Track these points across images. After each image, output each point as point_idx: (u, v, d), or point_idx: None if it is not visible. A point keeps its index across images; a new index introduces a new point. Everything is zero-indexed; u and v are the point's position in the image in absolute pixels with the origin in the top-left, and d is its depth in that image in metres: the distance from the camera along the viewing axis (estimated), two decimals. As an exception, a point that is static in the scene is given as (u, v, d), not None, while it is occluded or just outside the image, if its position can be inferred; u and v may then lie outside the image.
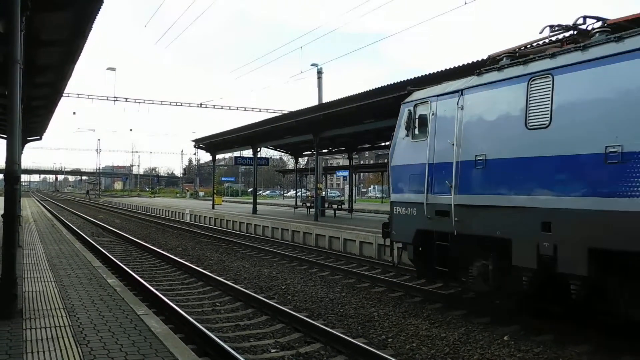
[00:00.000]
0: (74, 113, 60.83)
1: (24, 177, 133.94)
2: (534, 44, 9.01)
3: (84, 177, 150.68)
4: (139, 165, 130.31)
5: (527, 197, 7.65)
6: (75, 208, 49.90)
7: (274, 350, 7.25)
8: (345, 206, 30.42)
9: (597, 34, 7.54)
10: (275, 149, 37.22)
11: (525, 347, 7.33)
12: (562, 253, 7.08)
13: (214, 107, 43.46)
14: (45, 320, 6.74)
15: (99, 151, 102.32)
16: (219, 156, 42.10)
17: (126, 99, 41.46)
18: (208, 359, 6.65)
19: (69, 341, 5.89)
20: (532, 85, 7.77)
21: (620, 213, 6.34)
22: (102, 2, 9.00)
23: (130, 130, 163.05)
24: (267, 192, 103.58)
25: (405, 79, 15.33)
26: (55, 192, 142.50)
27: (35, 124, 24.07)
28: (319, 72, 33.01)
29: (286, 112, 31.23)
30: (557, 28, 8.29)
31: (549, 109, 7.43)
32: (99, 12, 9.44)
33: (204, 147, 39.07)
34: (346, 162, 38.68)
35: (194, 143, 39.32)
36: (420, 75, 14.97)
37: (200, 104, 42.97)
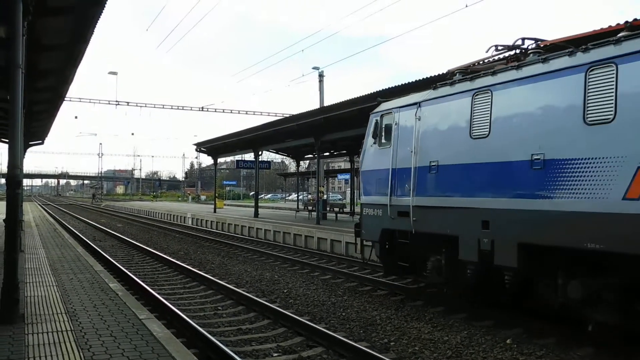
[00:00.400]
0: (76, 117, 61.14)
1: (26, 182, 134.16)
2: (486, 61, 9.97)
3: (85, 182, 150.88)
4: (140, 169, 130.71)
5: (470, 199, 8.63)
6: (77, 212, 49.94)
7: (276, 354, 7.24)
8: (347, 209, 30.40)
9: (531, 55, 8.47)
10: (276, 153, 37.25)
11: (528, 350, 7.31)
12: (497, 248, 8.06)
13: (215, 111, 43.53)
14: (47, 325, 6.74)
15: (100, 155, 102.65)
16: (220, 160, 42.22)
17: (128, 102, 41.58)
18: (210, 363, 6.64)
19: (71, 346, 5.89)
20: (475, 100, 8.74)
21: (543, 212, 7.33)
22: (104, 6, 9.02)
23: (132, 134, 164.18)
24: (269, 195, 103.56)
25: (403, 83, 15.81)
26: (57, 196, 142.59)
27: (37, 128, 24.09)
28: (320, 76, 33.03)
29: (288, 116, 31.26)
30: (501, 47, 9.30)
31: (489, 121, 8.38)
32: (101, 16, 9.45)
33: (205, 150, 39.11)
34: (348, 165, 38.66)
35: (195, 147, 39.34)
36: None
37: (202, 108, 43.05)
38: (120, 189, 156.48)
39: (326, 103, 30.57)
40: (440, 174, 9.32)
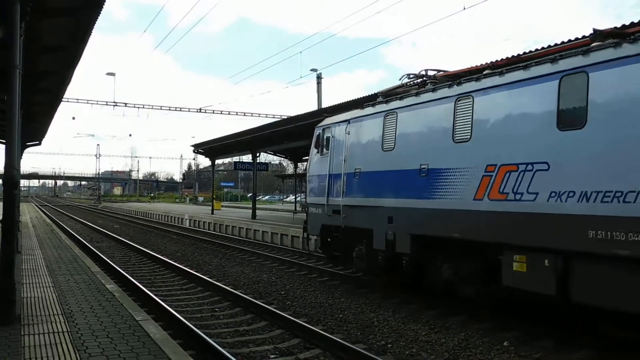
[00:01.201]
0: (74, 118, 60.96)
1: (23, 182, 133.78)
2: (405, 84, 11.65)
3: (83, 182, 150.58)
4: (138, 171, 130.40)
5: (381, 199, 10.81)
6: (74, 214, 49.86)
7: (273, 356, 7.23)
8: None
9: (429, 84, 10.47)
10: (274, 154, 37.24)
11: (525, 352, 7.32)
12: (398, 238, 10.24)
13: (213, 112, 43.36)
14: (44, 326, 6.73)
15: (98, 156, 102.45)
16: (218, 161, 42.13)
17: (125, 104, 41.46)
18: (207, 365, 6.63)
19: (67, 347, 5.88)
20: (386, 119, 10.87)
21: (426, 209, 9.50)
22: (102, 8, 9.02)
23: (130, 135, 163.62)
24: (267, 197, 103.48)
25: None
26: (55, 197, 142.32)
27: (34, 129, 24.06)
28: (319, 77, 33.08)
29: (285, 118, 31.26)
30: (412, 76, 11.22)
31: (394, 137, 10.54)
32: (98, 17, 9.46)
33: (203, 152, 39.08)
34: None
35: (193, 148, 39.30)
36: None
37: (200, 109, 42.91)
38: (117, 190, 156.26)
39: (324, 104, 30.59)
40: (362, 179, 11.47)
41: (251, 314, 9.53)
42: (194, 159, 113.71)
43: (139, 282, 11.79)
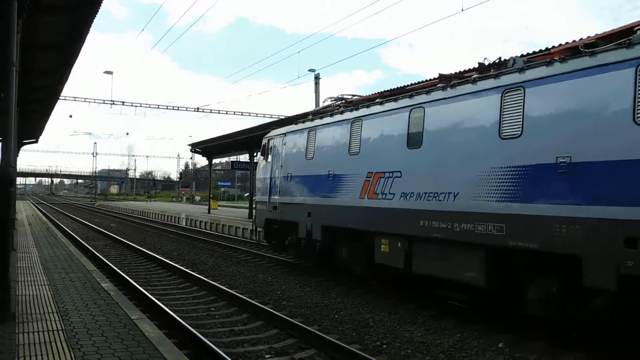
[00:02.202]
0: (71, 116, 60.85)
1: (19, 180, 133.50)
2: (332, 104, 14.07)
3: (79, 180, 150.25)
4: (135, 169, 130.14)
5: (304, 198, 13.51)
6: (70, 212, 49.77)
7: (268, 356, 7.23)
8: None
9: (341, 107, 13.23)
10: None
11: (520, 354, 7.32)
12: (313, 229, 12.99)
13: (211, 112, 43.33)
14: (38, 324, 6.71)
15: (95, 155, 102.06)
16: (215, 160, 42.10)
17: (123, 102, 41.42)
18: (202, 364, 6.62)
19: (62, 345, 5.87)
20: (309, 134, 13.55)
21: (331, 205, 12.23)
22: (99, 6, 9.01)
23: (127, 133, 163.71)
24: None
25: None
26: (51, 195, 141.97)
27: (31, 126, 24.00)
28: (317, 78, 33.00)
29: (282, 117, 31.25)
30: (332, 99, 14.08)
31: (314, 148, 13.24)
32: (96, 16, 9.44)
33: (200, 151, 39.04)
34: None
35: (190, 147, 39.26)
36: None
37: (197, 108, 42.86)
38: (114, 189, 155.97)
39: (322, 104, 30.55)
40: (292, 181, 14.18)
41: (247, 314, 9.52)
42: (191, 158, 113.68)
43: (135, 281, 11.77)
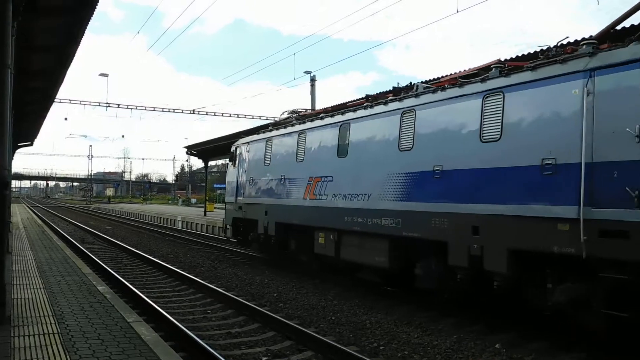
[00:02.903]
0: (66, 119, 60.24)
1: (15, 183, 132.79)
2: (290, 117, 16.00)
3: (75, 183, 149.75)
4: (130, 172, 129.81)
5: (262, 199, 15.50)
6: (66, 215, 49.61)
7: (265, 358, 7.21)
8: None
9: (294, 120, 15.15)
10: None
11: (517, 355, 7.33)
12: (269, 225, 14.95)
13: (207, 114, 43.17)
14: (34, 328, 6.68)
15: (90, 157, 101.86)
16: (211, 163, 41.97)
17: (118, 105, 41.22)
18: (198, 366, 6.60)
19: (58, 348, 5.84)
20: (267, 143, 15.72)
21: (283, 205, 14.21)
22: (95, 7, 8.99)
23: (123, 136, 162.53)
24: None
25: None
26: (46, 198, 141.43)
27: (26, 129, 23.92)
28: (312, 80, 32.96)
29: (278, 120, 31.18)
30: (288, 112, 16.28)
31: (270, 155, 15.35)
32: (91, 18, 9.41)
33: (196, 153, 38.97)
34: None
35: (186, 149, 39.20)
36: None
37: (193, 111, 42.73)
38: (109, 192, 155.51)
39: (318, 106, 30.55)
40: (253, 184, 16.28)
41: (243, 316, 9.50)
42: (187, 160, 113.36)
43: (131, 284, 11.72)
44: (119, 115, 66.51)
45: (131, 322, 7.13)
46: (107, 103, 40.67)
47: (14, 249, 15.15)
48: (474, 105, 8.67)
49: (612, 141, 6.70)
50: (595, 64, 7.10)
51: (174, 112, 42.76)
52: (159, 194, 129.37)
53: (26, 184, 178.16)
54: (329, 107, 14.92)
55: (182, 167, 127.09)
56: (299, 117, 15.35)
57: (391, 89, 13.56)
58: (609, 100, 6.85)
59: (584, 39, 8.84)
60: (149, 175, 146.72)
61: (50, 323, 6.96)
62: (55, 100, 18.78)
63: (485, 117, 8.47)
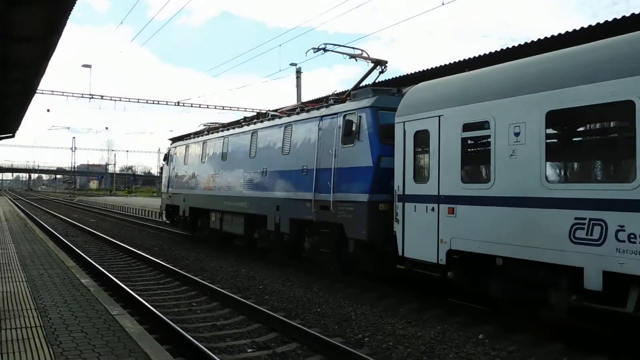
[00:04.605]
0: (48, 110, 59.39)
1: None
2: (202, 129, 21.22)
3: (58, 176, 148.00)
4: (114, 164, 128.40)
5: (182, 190, 20.93)
6: (49, 207, 49.04)
7: (250, 350, 7.22)
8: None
9: (205, 130, 20.40)
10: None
11: (500, 345, 7.42)
12: (186, 209, 20.40)
13: (191, 106, 42.70)
14: (16, 321, 6.62)
15: (74, 149, 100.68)
16: (196, 155, 41.52)
17: (102, 96, 40.66)
18: (183, 359, 6.59)
19: (41, 342, 5.79)
20: (186, 148, 21.17)
21: (194, 194, 19.70)
22: (77, -3, 8.83)
23: (106, 128, 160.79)
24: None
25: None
26: (29, 191, 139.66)
27: (7, 121, 23.56)
28: (298, 72, 32.83)
29: (261, 111, 31.01)
30: (203, 125, 21.56)
31: (187, 157, 20.84)
32: (73, 7, 9.26)
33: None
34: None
35: (170, 142, 38.82)
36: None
37: (178, 102, 42.31)
38: (93, 184, 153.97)
39: (304, 99, 30.48)
40: (177, 179, 21.79)
41: (229, 309, 9.49)
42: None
43: (115, 277, 11.65)
44: (103, 106, 65.61)
45: (115, 315, 7.09)
46: (90, 94, 40.09)
47: (-4, 242, 14.94)
48: (279, 131, 14.20)
49: (325, 157, 11.89)
50: (322, 113, 12.41)
51: (158, 104, 42.28)
52: (143, 187, 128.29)
53: (8, 176, 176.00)
54: (220, 124, 20.44)
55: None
56: (207, 130, 20.43)
57: (254, 115, 21.02)
58: (325, 134, 12.04)
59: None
60: (133, 168, 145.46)
61: (33, 316, 6.90)
62: (37, 91, 18.49)
63: (284, 139, 13.82)
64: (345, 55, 12.95)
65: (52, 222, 30.34)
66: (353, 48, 12.98)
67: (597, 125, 8.24)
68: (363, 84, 13.26)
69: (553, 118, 7.15)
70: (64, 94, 39.43)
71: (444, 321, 8.69)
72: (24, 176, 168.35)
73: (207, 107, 42.50)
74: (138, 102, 41.94)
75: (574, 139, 8.64)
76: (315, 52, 13.10)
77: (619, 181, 6.93)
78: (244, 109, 42.19)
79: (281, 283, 12.08)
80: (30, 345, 5.65)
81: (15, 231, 19.45)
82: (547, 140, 7.22)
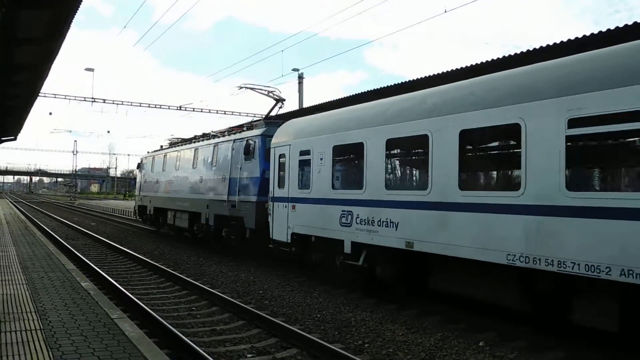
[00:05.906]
0: (50, 113, 59.74)
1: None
2: (169, 143, 25.86)
3: (59, 179, 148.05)
4: (116, 168, 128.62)
5: (149, 193, 25.98)
6: (49, 210, 49.03)
7: (249, 355, 7.20)
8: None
9: (168, 145, 25.90)
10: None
11: (500, 352, 7.40)
12: (152, 209, 25.39)
13: (193, 110, 42.91)
14: (16, 324, 6.61)
15: (75, 153, 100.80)
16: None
17: (104, 100, 40.85)
18: (183, 363, 6.58)
19: (40, 345, 5.79)
20: (153, 158, 26.17)
21: (156, 196, 24.69)
22: (81, 0, 8.87)
23: (108, 131, 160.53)
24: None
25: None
26: (30, 193, 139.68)
27: (9, 123, 23.62)
28: (300, 77, 32.93)
29: (262, 117, 31.02)
30: (168, 139, 26.82)
31: (153, 166, 25.81)
32: (77, 10, 9.30)
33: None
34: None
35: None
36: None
37: (180, 107, 42.43)
38: (94, 188, 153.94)
39: (306, 104, 30.54)
40: (146, 184, 26.46)
41: (228, 313, 9.48)
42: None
43: (115, 280, 11.64)
44: (105, 110, 66.08)
45: (115, 319, 7.08)
46: (92, 98, 40.28)
47: (-4, 245, 14.94)
48: (210, 149, 18.71)
49: (235, 169, 16.32)
50: (236, 137, 16.91)
51: (160, 108, 42.48)
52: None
53: (9, 179, 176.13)
54: (180, 139, 24.23)
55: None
56: (170, 144, 24.85)
57: (202, 133, 22.35)
58: (236, 153, 16.49)
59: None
60: (134, 172, 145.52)
61: (33, 319, 6.89)
62: (39, 94, 18.55)
63: (213, 155, 18.29)
64: (263, 92, 17.86)
65: (52, 225, 30.32)
66: (266, 87, 18.04)
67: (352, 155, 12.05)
68: (273, 113, 17.84)
69: (335, 150, 11.57)
70: (67, 97, 39.60)
71: (444, 328, 8.66)
72: (25, 179, 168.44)
73: (209, 112, 42.65)
74: (140, 106, 42.16)
75: (350, 162, 12.22)
76: (239, 89, 18.40)
77: (358, 188, 10.70)
78: (245, 114, 42.30)
79: (281, 288, 12.06)
80: (30, 348, 5.65)
81: (16, 234, 19.44)
82: (334, 165, 11.58)
